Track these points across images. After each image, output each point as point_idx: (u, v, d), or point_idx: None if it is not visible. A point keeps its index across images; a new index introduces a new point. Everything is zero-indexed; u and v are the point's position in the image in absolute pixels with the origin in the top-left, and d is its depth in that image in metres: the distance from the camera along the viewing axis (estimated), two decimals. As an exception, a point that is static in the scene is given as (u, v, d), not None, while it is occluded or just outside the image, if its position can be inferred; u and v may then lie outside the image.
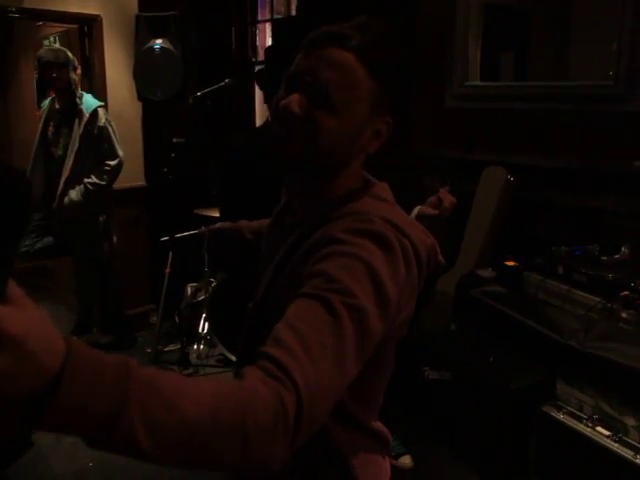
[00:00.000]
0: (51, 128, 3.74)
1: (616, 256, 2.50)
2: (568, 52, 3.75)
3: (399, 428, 2.96)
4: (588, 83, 3.19)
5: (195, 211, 4.08)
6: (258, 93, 4.98)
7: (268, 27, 5.07)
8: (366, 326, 0.81)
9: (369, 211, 0.94)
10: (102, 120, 3.64)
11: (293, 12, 4.81)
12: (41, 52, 3.66)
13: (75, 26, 4.64)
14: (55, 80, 3.59)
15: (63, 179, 3.58)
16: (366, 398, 1.02)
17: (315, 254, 0.88)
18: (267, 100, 2.49)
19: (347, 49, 0.92)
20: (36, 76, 3.71)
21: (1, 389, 0.54)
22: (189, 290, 4.05)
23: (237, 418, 0.66)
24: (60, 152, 3.68)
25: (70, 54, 3.66)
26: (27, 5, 4.00)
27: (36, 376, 0.56)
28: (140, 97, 4.16)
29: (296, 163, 0.95)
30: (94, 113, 3.62)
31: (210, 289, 3.70)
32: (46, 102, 3.82)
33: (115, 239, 3.95)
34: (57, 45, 3.73)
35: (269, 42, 5.05)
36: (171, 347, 3.99)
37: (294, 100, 0.92)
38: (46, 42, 5.40)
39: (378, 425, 1.09)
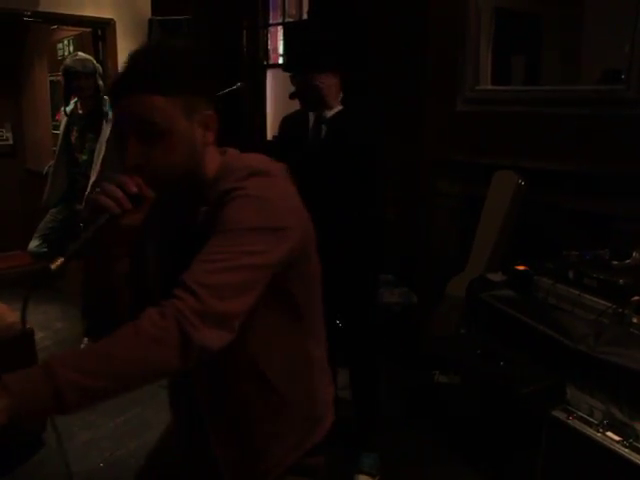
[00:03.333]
0: (75, 133, 3.79)
1: (627, 261, 2.49)
2: (579, 56, 3.74)
3: (403, 430, 2.96)
4: (600, 87, 3.18)
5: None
6: (270, 96, 5.00)
7: (280, 30, 5.09)
8: (260, 239, 1.03)
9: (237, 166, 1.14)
10: None
11: (305, 15, 4.82)
12: (68, 62, 3.70)
13: (89, 30, 4.69)
14: (83, 89, 3.66)
15: (91, 182, 3.62)
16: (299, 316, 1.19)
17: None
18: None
19: (143, 91, 1.05)
20: (62, 83, 3.75)
21: None
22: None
23: (141, 338, 0.91)
24: (85, 157, 3.73)
25: (95, 62, 3.75)
26: (42, 9, 4.06)
27: None
28: (152, 100, 4.19)
29: (170, 185, 1.10)
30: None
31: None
32: (69, 107, 3.85)
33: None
34: (82, 54, 3.78)
35: (281, 45, 5.07)
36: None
37: (130, 154, 1.06)
38: (60, 46, 5.45)
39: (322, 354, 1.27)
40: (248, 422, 1.18)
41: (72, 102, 3.84)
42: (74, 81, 3.65)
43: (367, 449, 2.65)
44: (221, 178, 1.12)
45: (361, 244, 2.52)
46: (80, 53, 3.81)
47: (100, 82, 3.68)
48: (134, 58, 1.11)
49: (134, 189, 1.03)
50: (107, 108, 3.66)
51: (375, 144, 2.51)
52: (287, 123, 2.64)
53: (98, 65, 3.74)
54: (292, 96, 2.50)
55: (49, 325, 4.35)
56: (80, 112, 3.78)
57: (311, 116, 2.54)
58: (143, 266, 1.21)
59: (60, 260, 0.96)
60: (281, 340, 1.16)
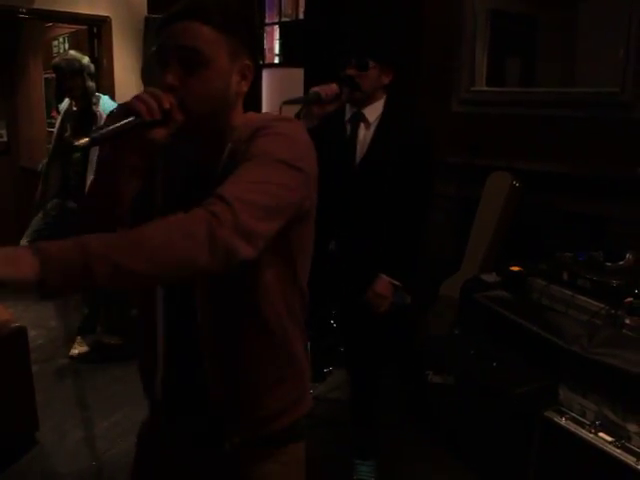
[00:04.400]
0: (68, 130, 3.78)
1: (621, 262, 2.50)
2: (574, 58, 3.75)
3: (399, 431, 2.97)
4: (594, 90, 3.20)
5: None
6: (265, 95, 5.00)
7: (276, 30, 5.09)
8: (284, 171, 1.06)
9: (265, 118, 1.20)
10: None
11: (301, 15, 4.83)
12: (56, 60, 3.68)
13: (84, 27, 4.68)
14: (71, 89, 3.63)
15: (89, 181, 3.60)
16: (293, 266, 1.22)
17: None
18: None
19: (194, 19, 1.10)
20: (54, 82, 3.73)
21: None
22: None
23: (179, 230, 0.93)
24: (78, 154, 3.72)
25: (86, 61, 3.67)
26: (37, 6, 4.05)
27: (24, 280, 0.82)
28: (148, 98, 4.18)
29: (199, 120, 1.12)
30: (112, 114, 3.65)
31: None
32: (64, 104, 3.84)
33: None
34: (73, 52, 3.73)
35: (277, 45, 5.07)
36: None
37: (169, 74, 1.09)
38: (55, 43, 5.43)
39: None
40: (252, 363, 1.19)
41: (66, 100, 3.83)
42: (62, 80, 3.64)
43: (364, 457, 2.63)
44: (248, 124, 1.16)
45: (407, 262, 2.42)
46: (71, 52, 3.76)
47: (90, 82, 3.64)
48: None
49: (167, 104, 1.05)
50: (99, 108, 3.63)
51: (430, 144, 2.42)
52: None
53: (88, 64, 3.66)
54: (343, 81, 2.29)
55: (42, 323, 4.34)
56: (74, 109, 3.77)
57: (348, 112, 2.41)
58: (149, 208, 1.20)
59: (85, 140, 0.99)
60: (281, 289, 1.19)
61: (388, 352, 2.67)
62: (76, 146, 0.99)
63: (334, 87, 2.18)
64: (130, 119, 1.03)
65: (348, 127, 2.41)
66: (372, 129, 2.36)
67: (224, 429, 1.21)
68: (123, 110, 1.04)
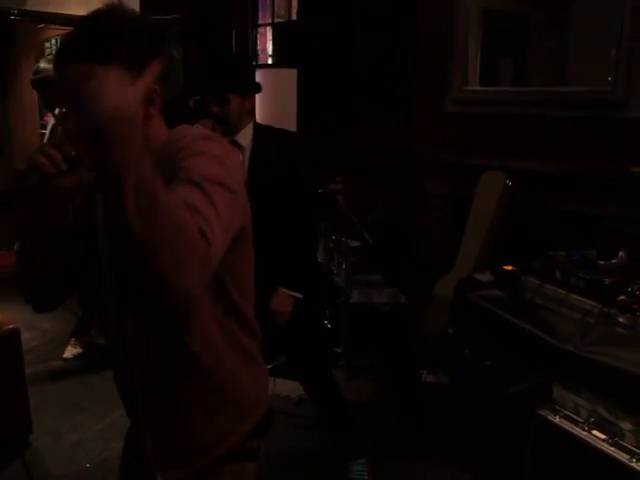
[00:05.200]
0: (60, 132, 3.75)
1: (613, 261, 2.51)
2: (567, 58, 3.77)
3: (392, 431, 2.97)
4: (586, 89, 3.21)
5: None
6: (258, 95, 5.00)
7: (269, 31, 5.09)
8: (224, 194, 1.00)
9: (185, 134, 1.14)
10: None
11: (294, 16, 4.83)
12: (30, 78, 3.58)
13: (77, 28, 4.66)
14: (55, 101, 3.57)
15: None
16: (238, 282, 1.20)
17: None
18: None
19: (65, 60, 1.05)
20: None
21: None
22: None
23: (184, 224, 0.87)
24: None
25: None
26: (29, 7, 4.03)
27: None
28: (141, 99, 4.16)
29: None
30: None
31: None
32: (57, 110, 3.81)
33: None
34: (42, 65, 3.55)
35: (270, 46, 5.07)
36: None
37: (71, 121, 1.04)
38: (47, 45, 5.42)
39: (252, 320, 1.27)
40: (181, 404, 1.19)
41: None
42: (43, 95, 3.62)
43: (352, 457, 2.62)
44: (171, 142, 1.12)
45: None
46: (40, 65, 3.58)
47: None
48: (77, 25, 1.09)
49: (71, 151, 1.01)
50: None
51: (302, 158, 2.43)
52: None
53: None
54: (212, 119, 2.33)
55: (36, 325, 4.32)
56: (64, 111, 3.74)
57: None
58: (94, 249, 1.21)
59: None
60: (215, 328, 1.18)
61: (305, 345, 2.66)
62: None
63: (208, 124, 2.23)
64: (32, 176, 0.99)
65: None
66: (247, 154, 2.39)
67: (159, 462, 1.22)
68: (26, 165, 1.01)
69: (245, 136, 2.40)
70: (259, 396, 1.31)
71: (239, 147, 2.39)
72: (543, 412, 2.22)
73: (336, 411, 2.60)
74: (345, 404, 2.62)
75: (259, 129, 2.44)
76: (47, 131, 3.85)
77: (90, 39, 1.04)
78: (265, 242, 2.34)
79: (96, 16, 1.09)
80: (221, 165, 1.05)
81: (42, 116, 5.48)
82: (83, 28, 1.08)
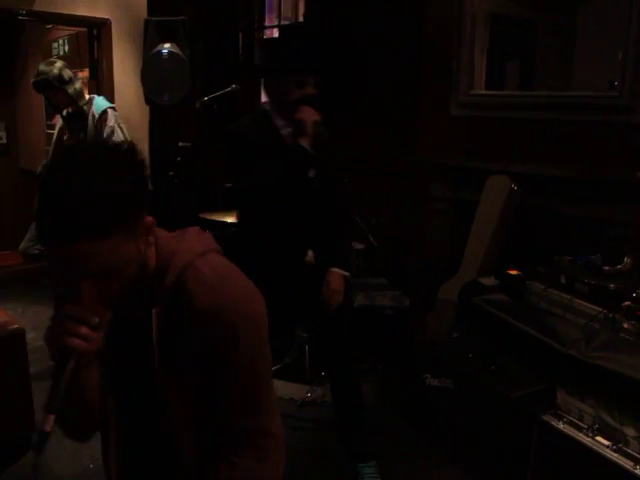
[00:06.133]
0: (67, 134, 3.77)
1: (618, 266, 2.51)
2: (573, 62, 3.76)
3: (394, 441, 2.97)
4: (593, 93, 3.20)
5: (200, 215, 4.11)
6: (264, 98, 5.01)
7: (275, 33, 5.10)
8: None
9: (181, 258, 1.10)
10: (111, 121, 3.66)
11: (300, 18, 4.84)
12: (32, 81, 3.59)
13: (84, 29, 4.68)
14: (57, 103, 3.59)
15: None
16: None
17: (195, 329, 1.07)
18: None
19: (68, 241, 0.91)
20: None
21: None
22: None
23: None
24: None
25: (55, 72, 3.47)
26: (37, 8, 4.05)
27: None
28: (147, 101, 4.18)
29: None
30: (103, 114, 3.64)
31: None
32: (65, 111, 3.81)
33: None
34: (41, 67, 3.55)
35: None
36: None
37: (86, 293, 0.97)
38: (55, 45, 5.44)
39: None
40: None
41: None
42: (45, 97, 3.62)
43: (362, 460, 2.62)
44: (163, 269, 1.09)
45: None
46: (40, 67, 3.54)
47: (71, 89, 3.51)
48: (55, 200, 0.92)
49: (96, 320, 0.98)
50: (93, 109, 3.59)
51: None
52: (247, 134, 2.23)
53: (58, 74, 3.46)
54: (302, 102, 2.22)
55: (41, 325, 4.30)
56: (68, 113, 3.74)
57: (283, 126, 2.30)
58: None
59: (51, 418, 0.93)
60: None
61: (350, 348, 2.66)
62: (51, 430, 0.94)
63: (311, 110, 2.20)
64: (72, 362, 0.96)
65: (286, 136, 2.32)
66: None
67: None
68: (58, 352, 0.97)
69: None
70: None
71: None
72: (547, 417, 2.21)
73: (358, 411, 2.60)
74: (362, 409, 2.62)
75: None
76: (55, 132, 3.86)
77: (84, 215, 0.91)
78: (312, 227, 2.38)
79: (73, 187, 0.91)
80: (251, 326, 1.09)
81: (50, 117, 5.49)
82: (64, 205, 0.91)
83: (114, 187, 0.94)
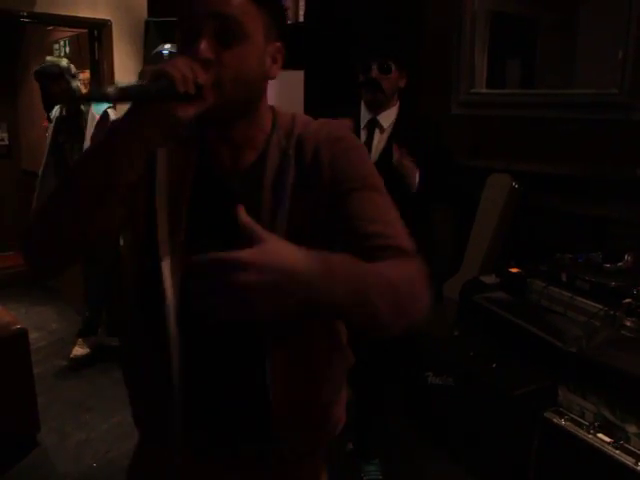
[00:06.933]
0: (64, 135, 3.76)
1: (619, 264, 2.51)
2: (574, 60, 3.76)
3: (394, 440, 2.97)
4: (593, 91, 3.20)
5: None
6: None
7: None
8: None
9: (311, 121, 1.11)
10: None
11: (301, 18, 4.83)
12: (35, 69, 3.66)
13: (85, 30, 4.69)
14: (56, 94, 3.61)
15: None
16: None
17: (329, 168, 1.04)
18: None
19: None
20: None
21: None
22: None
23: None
24: (76, 157, 3.69)
25: (64, 63, 3.59)
26: (38, 10, 4.05)
27: None
28: (148, 101, 4.17)
29: (232, 105, 0.98)
30: (104, 115, 3.64)
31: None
32: (54, 111, 3.80)
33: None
34: (49, 58, 3.67)
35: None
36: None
37: (204, 46, 0.93)
38: (56, 46, 5.45)
39: None
40: (317, 381, 1.13)
41: (56, 107, 3.77)
42: (45, 87, 3.62)
43: (369, 458, 2.63)
44: (287, 124, 1.08)
45: None
46: (48, 58, 3.69)
47: (74, 84, 3.57)
48: None
49: (202, 80, 0.90)
50: (92, 109, 3.61)
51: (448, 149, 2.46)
52: None
53: (67, 66, 3.59)
54: (366, 85, 2.29)
55: (44, 325, 4.35)
56: (65, 114, 3.73)
57: (363, 119, 2.39)
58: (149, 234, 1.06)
59: (116, 87, 0.84)
60: None
61: (391, 371, 2.66)
62: (109, 92, 0.84)
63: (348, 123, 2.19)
64: (162, 82, 0.86)
65: (363, 134, 2.43)
66: (386, 135, 2.38)
67: (282, 447, 1.11)
68: (153, 74, 0.88)
69: (388, 117, 2.38)
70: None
71: (379, 127, 2.36)
72: (548, 415, 2.21)
73: (380, 413, 2.60)
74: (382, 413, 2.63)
75: (402, 115, 2.41)
76: (48, 135, 3.83)
77: None
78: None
79: None
80: (369, 163, 1.14)
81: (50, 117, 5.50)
82: None
83: None
